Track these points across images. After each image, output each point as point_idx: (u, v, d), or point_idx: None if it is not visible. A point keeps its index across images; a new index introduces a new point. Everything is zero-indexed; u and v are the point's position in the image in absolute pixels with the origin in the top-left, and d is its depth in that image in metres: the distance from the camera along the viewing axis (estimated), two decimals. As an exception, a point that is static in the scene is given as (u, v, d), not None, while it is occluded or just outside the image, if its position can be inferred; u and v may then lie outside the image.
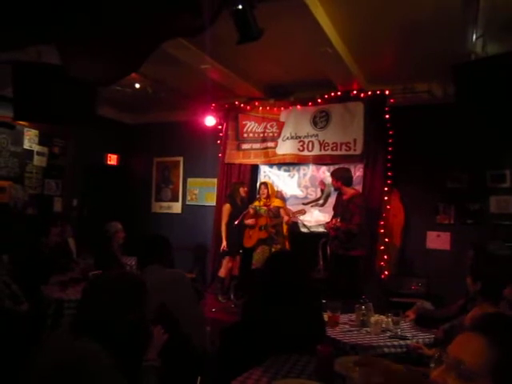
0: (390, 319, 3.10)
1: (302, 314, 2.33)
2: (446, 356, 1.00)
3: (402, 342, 2.79)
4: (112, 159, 7.72)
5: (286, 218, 5.68)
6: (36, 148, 6.43)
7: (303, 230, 6.03)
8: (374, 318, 3.11)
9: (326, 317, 3.02)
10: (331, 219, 5.15)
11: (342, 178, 5.12)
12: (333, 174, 5.25)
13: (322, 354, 1.87)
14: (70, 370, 1.46)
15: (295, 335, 2.23)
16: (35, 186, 6.42)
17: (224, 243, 5.96)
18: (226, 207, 6.03)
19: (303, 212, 5.72)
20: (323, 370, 1.84)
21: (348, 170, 5.32)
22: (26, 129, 6.25)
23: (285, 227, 5.81)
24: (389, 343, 2.77)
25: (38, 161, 6.46)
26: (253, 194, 6.30)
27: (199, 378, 1.28)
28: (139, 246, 2.95)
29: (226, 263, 6.00)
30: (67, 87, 4.10)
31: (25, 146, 6.27)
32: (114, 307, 1.61)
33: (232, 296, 5.95)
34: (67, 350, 1.51)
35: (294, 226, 6.03)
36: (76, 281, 4.00)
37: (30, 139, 6.34)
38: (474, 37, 3.75)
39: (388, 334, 2.95)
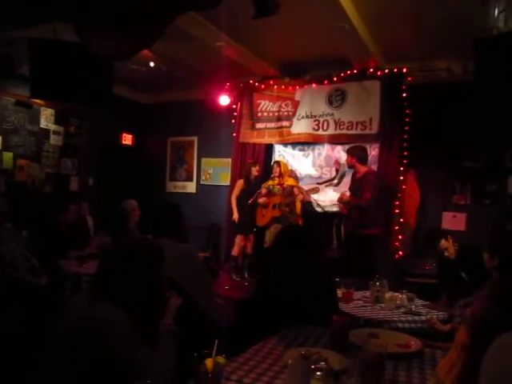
0: (404, 296, 3.11)
1: (314, 289, 2.32)
2: None
3: (416, 318, 2.81)
4: (127, 139, 7.76)
5: (300, 196, 5.68)
6: (52, 127, 6.50)
7: (317, 209, 6.02)
8: (389, 294, 3.12)
9: (340, 293, 3.04)
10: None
11: (357, 155, 5.12)
12: (348, 151, 5.24)
13: (337, 324, 1.88)
14: (92, 333, 1.49)
15: (308, 311, 2.23)
16: (52, 164, 6.51)
17: (235, 215, 6.01)
18: (240, 182, 6.13)
19: (317, 190, 5.72)
20: (338, 340, 1.85)
21: (364, 149, 5.30)
22: (42, 108, 6.31)
23: (298, 206, 5.80)
24: (403, 318, 2.79)
25: (54, 140, 6.53)
26: (267, 174, 6.29)
27: (216, 341, 1.30)
28: (153, 216, 2.93)
29: (238, 242, 6.04)
30: (84, 65, 4.13)
31: (41, 125, 6.35)
32: (132, 271, 1.63)
33: (246, 274, 6.00)
34: (90, 313, 1.54)
35: (307, 205, 6.02)
36: (93, 256, 4.07)
37: (46, 118, 6.40)
38: (497, 11, 3.64)
39: (402, 309, 2.97)
